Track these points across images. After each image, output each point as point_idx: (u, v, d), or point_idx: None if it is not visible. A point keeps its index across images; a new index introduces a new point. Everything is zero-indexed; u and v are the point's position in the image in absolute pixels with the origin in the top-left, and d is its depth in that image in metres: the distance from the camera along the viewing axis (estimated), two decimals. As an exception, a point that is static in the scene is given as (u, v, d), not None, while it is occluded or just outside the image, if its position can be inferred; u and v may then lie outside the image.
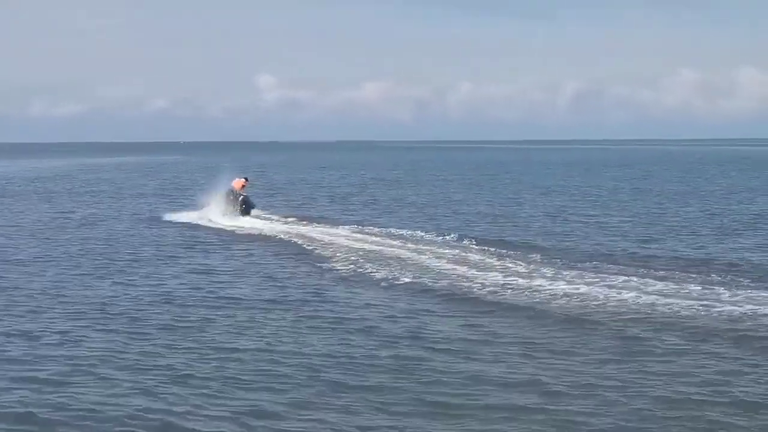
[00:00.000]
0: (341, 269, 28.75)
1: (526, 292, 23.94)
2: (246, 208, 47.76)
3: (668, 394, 14.77)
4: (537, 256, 30.42)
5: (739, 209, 50.11)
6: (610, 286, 24.47)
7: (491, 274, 26.87)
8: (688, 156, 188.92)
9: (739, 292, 23.48)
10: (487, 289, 24.47)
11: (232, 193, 48.47)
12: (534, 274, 26.80)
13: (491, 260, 29.90)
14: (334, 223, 43.18)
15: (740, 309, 21.35)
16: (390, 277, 26.80)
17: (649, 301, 22.34)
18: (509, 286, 24.81)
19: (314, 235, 38.05)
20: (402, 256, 31.10)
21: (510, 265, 28.72)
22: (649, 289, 24.08)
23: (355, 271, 28.38)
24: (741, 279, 25.69)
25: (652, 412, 13.89)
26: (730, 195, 62.93)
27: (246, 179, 50.94)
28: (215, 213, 47.18)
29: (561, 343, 18.50)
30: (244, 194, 48.58)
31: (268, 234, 39.19)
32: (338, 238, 36.52)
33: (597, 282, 25.28)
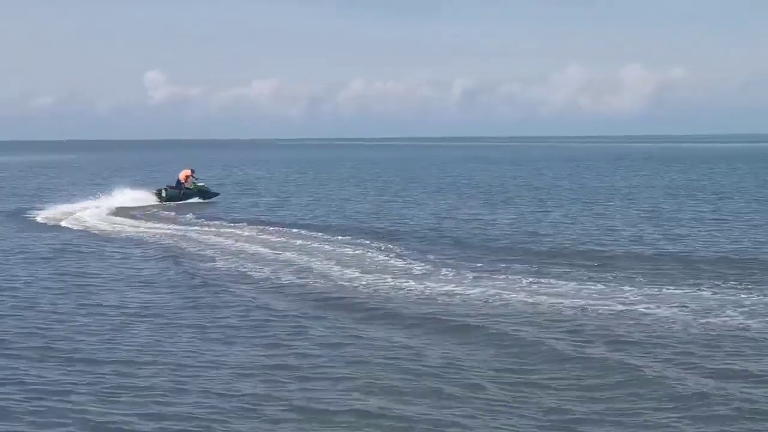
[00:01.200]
0: (221, 269, 28.13)
1: (400, 293, 23.68)
2: (185, 196, 54.42)
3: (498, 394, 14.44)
4: (416, 255, 30.55)
5: (623, 206, 50.75)
6: (496, 286, 24.33)
7: (382, 276, 26.44)
8: (577, 153, 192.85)
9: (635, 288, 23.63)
10: (374, 291, 24.08)
11: (178, 185, 55.23)
12: (414, 274, 26.69)
13: (381, 260, 29.72)
14: (219, 224, 42.22)
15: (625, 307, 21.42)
16: (270, 278, 26.33)
17: (520, 299, 22.42)
18: (396, 288, 24.45)
19: (197, 236, 37.34)
20: (286, 257, 30.63)
21: (399, 265, 28.65)
22: (520, 286, 24.23)
23: (236, 270, 27.83)
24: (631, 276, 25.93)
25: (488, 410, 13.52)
26: (613, 192, 64.12)
27: (191, 170, 56.65)
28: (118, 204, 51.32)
29: (424, 345, 17.97)
30: (190, 185, 55.12)
31: (148, 236, 37.85)
32: (222, 239, 35.84)
33: (484, 281, 25.24)
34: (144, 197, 54.24)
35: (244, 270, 27.88)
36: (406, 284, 24.80)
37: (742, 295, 22.41)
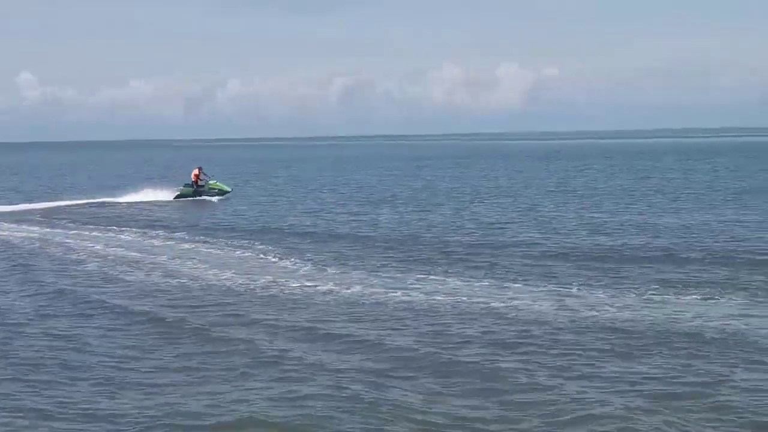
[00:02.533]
0: (91, 272, 27.54)
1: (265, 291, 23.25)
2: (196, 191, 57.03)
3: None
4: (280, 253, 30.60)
5: (506, 203, 51.16)
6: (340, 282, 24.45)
7: (264, 276, 26.09)
8: (458, 150, 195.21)
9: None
10: (259, 288, 23.95)
11: (192, 184, 57.71)
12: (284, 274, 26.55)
13: (261, 260, 29.57)
14: (92, 227, 40.94)
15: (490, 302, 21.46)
16: (143, 281, 25.83)
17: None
18: (263, 286, 24.22)
19: (68, 240, 36.31)
20: (159, 259, 30.16)
21: (275, 261, 28.70)
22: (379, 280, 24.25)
23: (106, 274, 27.27)
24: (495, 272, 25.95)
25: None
26: (498, 189, 64.78)
27: (199, 169, 59.28)
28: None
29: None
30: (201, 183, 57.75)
31: (19, 240, 36.46)
32: (91, 243, 34.94)
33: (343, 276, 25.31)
34: (163, 195, 57.52)
35: (117, 273, 27.27)
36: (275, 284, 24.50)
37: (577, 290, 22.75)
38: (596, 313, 19.85)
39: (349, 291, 23.29)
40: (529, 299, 21.65)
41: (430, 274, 25.85)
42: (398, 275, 25.73)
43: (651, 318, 19.22)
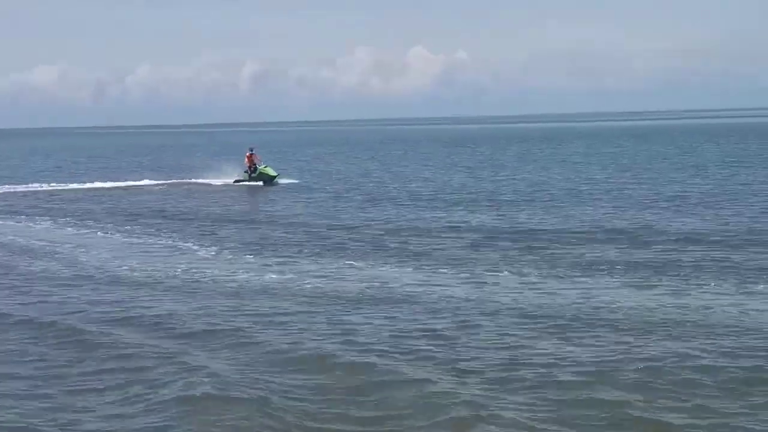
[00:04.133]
0: None
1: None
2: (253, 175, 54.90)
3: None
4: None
5: (414, 189, 51.39)
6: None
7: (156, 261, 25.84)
8: (369, 136, 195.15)
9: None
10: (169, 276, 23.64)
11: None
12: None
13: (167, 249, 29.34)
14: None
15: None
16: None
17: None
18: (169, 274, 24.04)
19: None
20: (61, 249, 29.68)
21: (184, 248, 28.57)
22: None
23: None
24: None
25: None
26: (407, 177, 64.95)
27: (250, 151, 56.71)
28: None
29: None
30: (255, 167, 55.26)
31: None
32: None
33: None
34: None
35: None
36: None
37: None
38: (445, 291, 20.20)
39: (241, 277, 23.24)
40: (444, 282, 21.98)
41: (337, 259, 26.00)
42: (305, 262, 25.77)
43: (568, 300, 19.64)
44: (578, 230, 30.42)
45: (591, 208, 37.13)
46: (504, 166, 69.87)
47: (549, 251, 26.12)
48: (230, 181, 55.88)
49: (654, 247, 26.28)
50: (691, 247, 25.95)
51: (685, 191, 42.86)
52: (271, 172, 55.44)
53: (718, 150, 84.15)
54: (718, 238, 27.50)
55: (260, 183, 54.20)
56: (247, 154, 56.32)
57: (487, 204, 40.06)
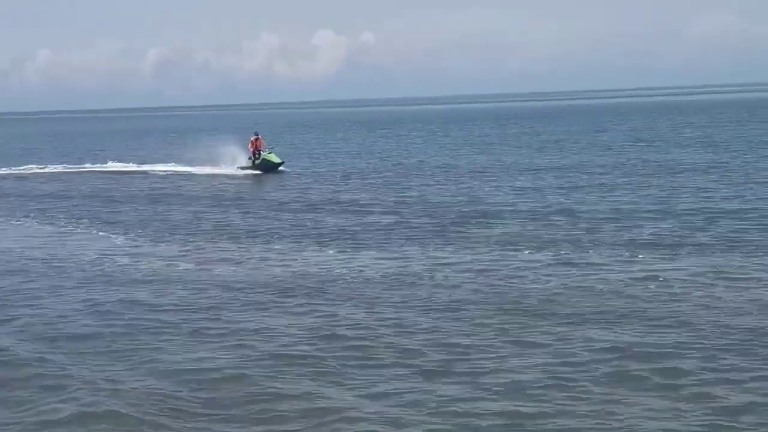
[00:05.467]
0: None
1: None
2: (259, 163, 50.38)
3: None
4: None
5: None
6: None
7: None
8: (275, 119, 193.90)
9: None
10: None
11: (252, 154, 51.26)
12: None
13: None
14: None
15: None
16: None
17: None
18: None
19: None
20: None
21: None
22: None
23: None
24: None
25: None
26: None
27: (255, 135, 51.82)
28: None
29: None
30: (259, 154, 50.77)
31: None
32: None
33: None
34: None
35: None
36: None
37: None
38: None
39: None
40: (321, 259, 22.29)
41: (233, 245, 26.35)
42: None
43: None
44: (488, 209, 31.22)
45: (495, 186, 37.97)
46: (413, 146, 70.44)
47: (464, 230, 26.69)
48: (216, 169, 52.17)
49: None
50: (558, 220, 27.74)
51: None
52: (275, 159, 50.87)
53: (623, 129, 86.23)
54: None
55: (259, 171, 50.20)
56: (252, 138, 51.73)
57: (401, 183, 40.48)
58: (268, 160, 50.33)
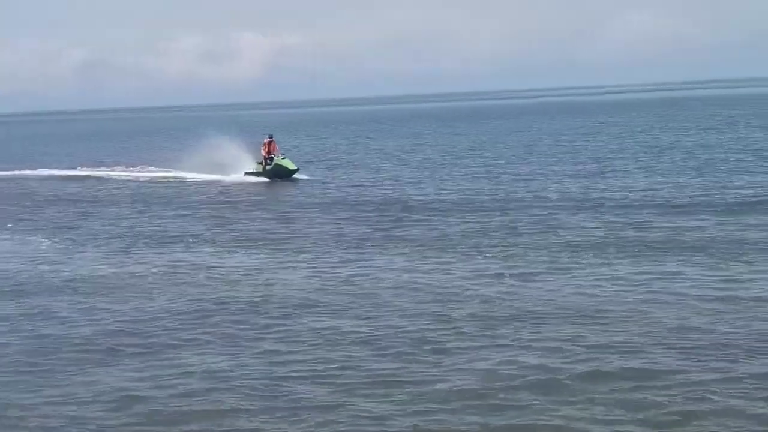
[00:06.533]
0: None
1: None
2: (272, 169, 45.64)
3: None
4: None
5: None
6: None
7: None
8: (199, 122, 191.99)
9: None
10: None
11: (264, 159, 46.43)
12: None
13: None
14: None
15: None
16: None
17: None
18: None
19: None
20: None
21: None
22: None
23: None
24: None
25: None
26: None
27: (270, 138, 47.29)
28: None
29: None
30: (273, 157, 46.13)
31: None
32: None
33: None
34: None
35: None
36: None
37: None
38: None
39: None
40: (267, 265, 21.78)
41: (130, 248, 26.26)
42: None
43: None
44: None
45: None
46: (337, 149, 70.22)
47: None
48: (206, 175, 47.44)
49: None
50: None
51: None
52: (290, 165, 46.02)
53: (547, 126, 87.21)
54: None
55: (265, 178, 45.67)
56: (266, 140, 46.96)
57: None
58: (282, 166, 45.75)
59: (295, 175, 45.35)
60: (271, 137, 47.18)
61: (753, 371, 13.30)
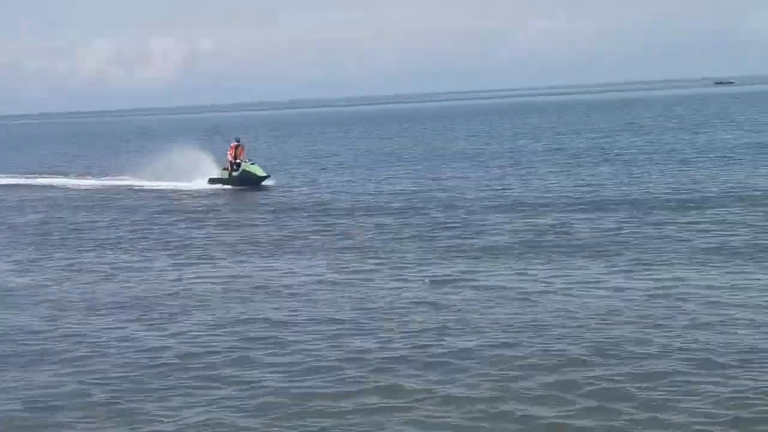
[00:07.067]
0: None
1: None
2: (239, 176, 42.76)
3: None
4: None
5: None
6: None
7: None
8: (110, 128, 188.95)
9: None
10: None
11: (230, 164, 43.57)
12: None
13: None
14: None
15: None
16: None
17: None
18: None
19: None
20: None
21: None
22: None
23: None
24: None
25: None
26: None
27: (237, 142, 43.96)
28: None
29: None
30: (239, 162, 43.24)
31: None
32: None
33: None
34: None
35: None
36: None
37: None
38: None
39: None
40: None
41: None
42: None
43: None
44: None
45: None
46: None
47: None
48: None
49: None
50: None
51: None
52: (259, 171, 43.14)
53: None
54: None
55: (231, 185, 42.82)
56: (233, 144, 43.99)
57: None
58: (251, 173, 42.88)
59: (264, 182, 42.75)
60: (237, 141, 44.22)
61: (666, 369, 13.49)
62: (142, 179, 46.86)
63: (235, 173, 43.02)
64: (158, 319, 17.98)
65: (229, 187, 42.54)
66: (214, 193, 41.64)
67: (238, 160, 43.27)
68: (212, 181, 43.77)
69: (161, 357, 15.33)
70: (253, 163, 43.86)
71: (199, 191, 42.37)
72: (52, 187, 48.85)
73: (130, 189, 45.06)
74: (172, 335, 16.73)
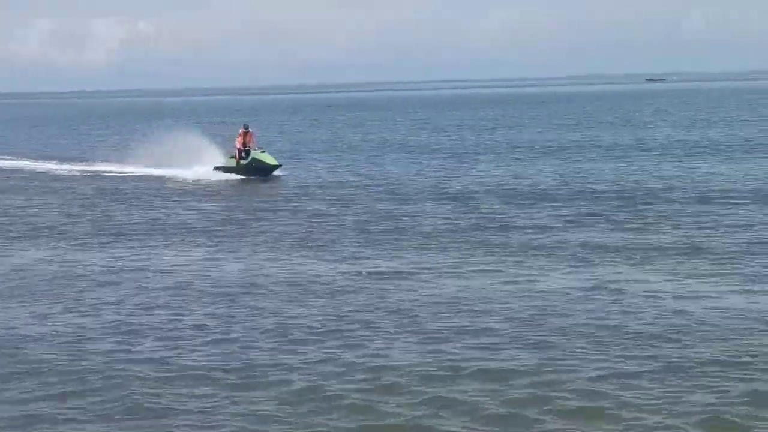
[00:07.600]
0: None
1: None
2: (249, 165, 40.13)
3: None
4: None
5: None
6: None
7: None
8: (54, 110, 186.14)
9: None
10: None
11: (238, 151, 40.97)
12: None
13: None
14: None
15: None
16: None
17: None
18: None
19: None
20: None
21: None
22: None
23: None
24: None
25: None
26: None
27: (245, 128, 41.51)
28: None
29: None
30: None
31: None
32: None
33: None
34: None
35: None
36: None
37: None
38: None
39: None
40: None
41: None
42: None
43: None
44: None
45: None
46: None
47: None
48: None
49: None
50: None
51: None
52: (271, 160, 40.37)
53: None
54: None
55: (239, 174, 40.32)
56: (241, 131, 41.24)
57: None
58: (261, 161, 40.25)
59: (275, 172, 40.25)
60: (246, 127, 41.56)
61: (596, 358, 13.99)
62: (131, 165, 44.70)
63: (243, 161, 40.49)
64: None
65: (236, 176, 40.20)
66: (218, 183, 39.17)
67: (247, 148, 40.86)
68: (218, 169, 41.08)
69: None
70: (263, 151, 41.27)
71: (198, 180, 39.88)
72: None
73: (114, 176, 42.90)
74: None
